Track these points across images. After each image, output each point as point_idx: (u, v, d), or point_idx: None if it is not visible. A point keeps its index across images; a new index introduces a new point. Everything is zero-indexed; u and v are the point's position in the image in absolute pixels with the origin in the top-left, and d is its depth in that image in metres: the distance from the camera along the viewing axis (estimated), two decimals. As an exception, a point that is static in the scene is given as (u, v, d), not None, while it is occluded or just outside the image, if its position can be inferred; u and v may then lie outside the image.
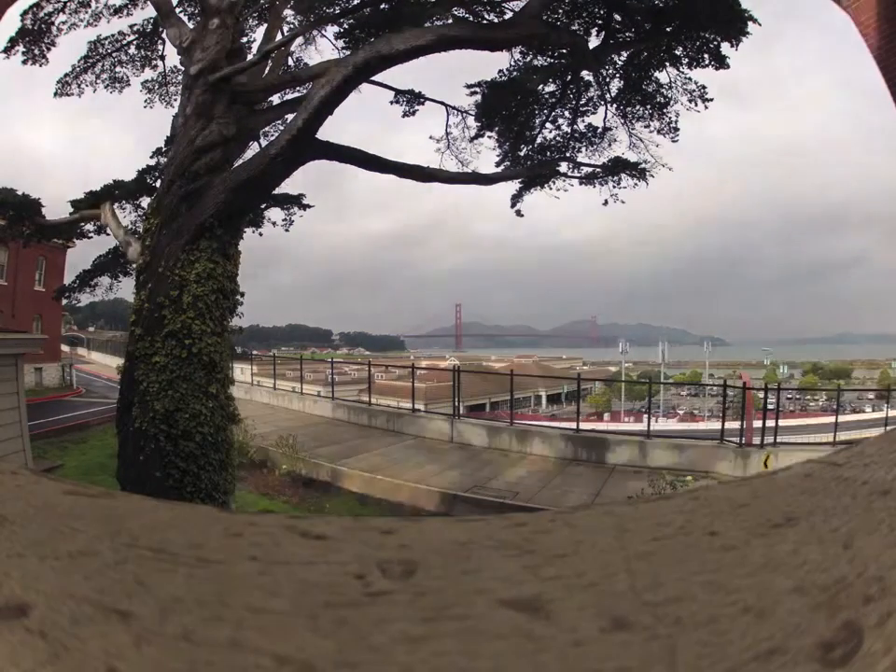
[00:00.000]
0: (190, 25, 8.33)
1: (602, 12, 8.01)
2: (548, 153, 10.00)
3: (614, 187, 9.65)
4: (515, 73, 9.13)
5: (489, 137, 9.95)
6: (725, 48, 7.83)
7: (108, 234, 9.72)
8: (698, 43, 7.94)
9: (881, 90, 5.03)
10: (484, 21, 8.11)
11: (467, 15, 8.24)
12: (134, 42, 10.29)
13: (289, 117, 7.86)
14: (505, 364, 63.75)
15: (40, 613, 0.42)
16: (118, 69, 10.40)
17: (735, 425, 12.21)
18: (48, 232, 11.27)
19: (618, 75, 9.09)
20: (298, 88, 8.85)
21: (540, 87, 9.37)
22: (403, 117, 10.06)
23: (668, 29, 7.77)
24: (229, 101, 7.22)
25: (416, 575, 0.48)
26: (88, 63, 10.16)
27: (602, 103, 9.43)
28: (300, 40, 9.93)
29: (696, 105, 8.80)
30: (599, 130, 9.63)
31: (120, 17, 9.78)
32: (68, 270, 25.20)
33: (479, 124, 9.88)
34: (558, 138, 9.88)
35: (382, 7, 8.06)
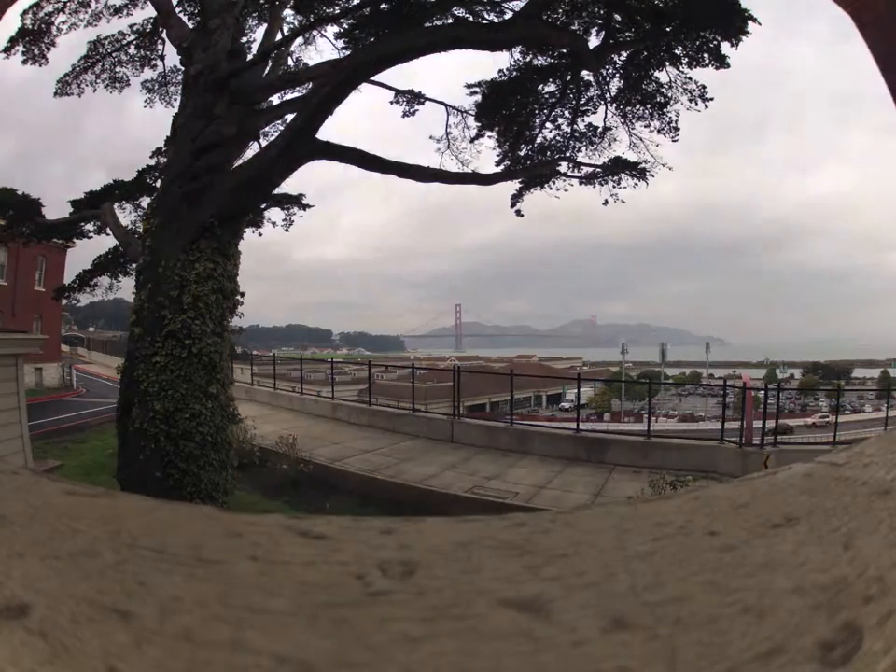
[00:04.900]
0: (190, 25, 8.35)
1: (602, 12, 8.01)
2: (548, 153, 10.00)
3: (614, 187, 9.67)
4: (515, 73, 9.13)
5: (489, 137, 9.98)
6: (725, 47, 7.85)
7: (108, 234, 9.74)
8: (698, 43, 7.94)
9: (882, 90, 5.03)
10: (484, 21, 8.12)
11: (467, 15, 8.24)
12: (134, 42, 10.31)
13: (289, 117, 7.87)
14: (504, 364, 63.74)
15: (40, 613, 0.42)
16: (118, 69, 10.43)
17: (735, 425, 12.20)
18: (48, 232, 11.31)
19: (618, 75, 9.09)
20: (298, 88, 8.87)
21: (540, 87, 9.37)
22: (403, 117, 10.10)
23: (668, 29, 7.77)
24: (229, 101, 7.23)
25: (416, 575, 0.48)
26: (88, 62, 10.18)
27: (602, 103, 9.44)
28: (300, 40, 9.96)
29: (696, 104, 8.81)
30: (599, 130, 9.64)
31: (120, 17, 9.82)
32: (68, 270, 25.26)
33: (479, 124, 9.90)
34: (558, 138, 9.89)
35: (382, 6, 8.06)
